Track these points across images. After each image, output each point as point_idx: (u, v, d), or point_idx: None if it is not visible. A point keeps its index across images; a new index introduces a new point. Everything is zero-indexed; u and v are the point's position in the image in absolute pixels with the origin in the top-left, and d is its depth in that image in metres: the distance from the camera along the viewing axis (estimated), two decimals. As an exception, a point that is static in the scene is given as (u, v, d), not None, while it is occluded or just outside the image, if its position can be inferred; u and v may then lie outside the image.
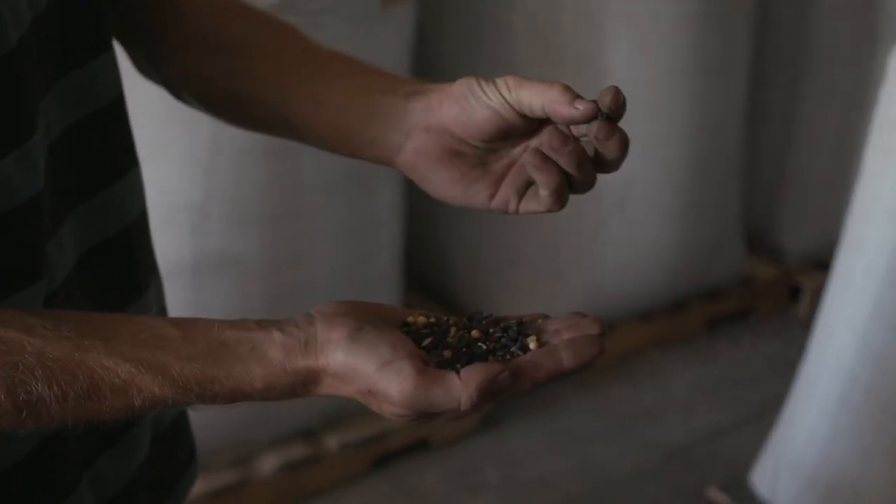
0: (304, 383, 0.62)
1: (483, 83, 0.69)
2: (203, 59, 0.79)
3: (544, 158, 0.67)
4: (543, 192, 0.68)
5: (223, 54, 0.79)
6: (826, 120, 2.57)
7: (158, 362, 0.60)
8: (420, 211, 2.28)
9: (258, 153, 1.77)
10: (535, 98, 0.67)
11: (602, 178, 2.55)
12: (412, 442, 2.14)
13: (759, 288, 2.61)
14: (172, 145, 1.71)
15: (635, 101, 2.29)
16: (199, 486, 1.90)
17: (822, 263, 2.66)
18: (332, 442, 2.05)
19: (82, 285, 0.72)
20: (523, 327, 0.66)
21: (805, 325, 2.56)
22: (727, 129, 2.39)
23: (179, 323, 0.62)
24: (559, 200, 0.68)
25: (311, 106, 0.75)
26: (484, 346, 0.65)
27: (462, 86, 0.70)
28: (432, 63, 2.25)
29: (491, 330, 0.66)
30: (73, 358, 0.58)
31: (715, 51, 2.26)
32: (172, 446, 0.83)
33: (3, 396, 0.57)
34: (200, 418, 1.91)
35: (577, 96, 0.67)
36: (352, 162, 2.16)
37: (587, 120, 0.67)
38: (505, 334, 0.65)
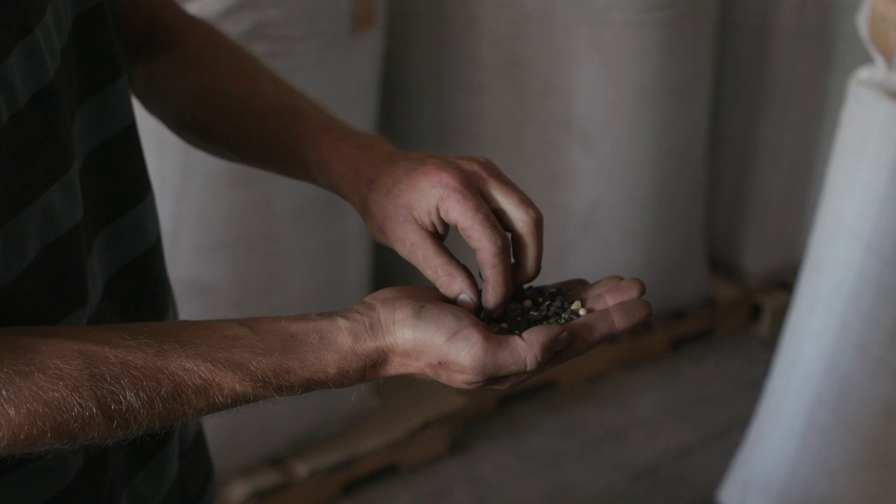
0: (374, 365, 0.64)
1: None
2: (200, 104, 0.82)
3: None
4: None
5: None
6: (782, 143, 2.62)
7: (235, 360, 0.61)
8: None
9: (227, 180, 1.76)
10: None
11: (567, 201, 2.58)
12: (381, 466, 2.13)
13: (722, 308, 2.64)
14: (142, 172, 1.70)
15: (600, 125, 2.33)
16: (169, 516, 1.88)
17: (781, 283, 2.71)
18: (301, 468, 2.04)
19: (111, 309, 0.72)
20: (567, 295, 0.70)
21: (766, 344, 2.61)
22: (690, 153, 2.43)
23: (246, 322, 0.64)
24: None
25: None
26: (537, 314, 0.68)
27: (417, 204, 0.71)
28: (399, 89, 2.26)
29: (539, 299, 0.69)
30: (154, 364, 0.60)
31: (678, 75, 2.29)
32: (196, 461, 0.84)
33: (94, 408, 0.58)
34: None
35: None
36: (320, 188, 2.15)
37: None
38: (553, 302, 0.69)
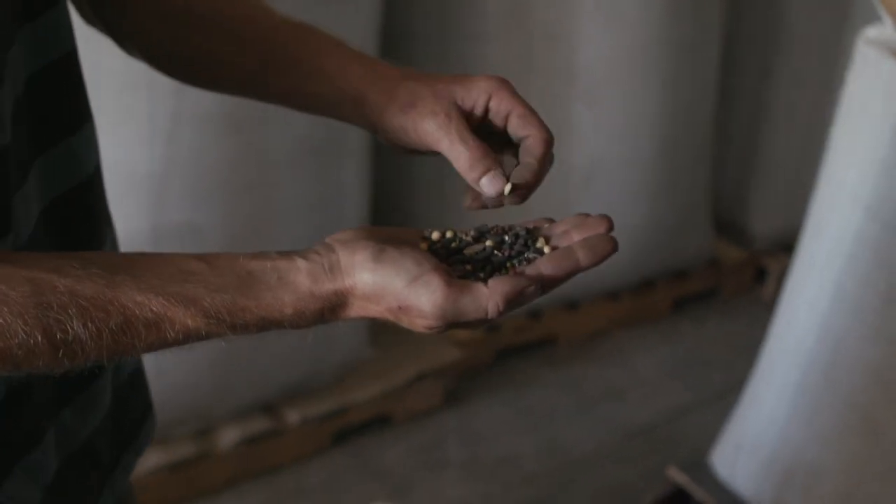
0: (333, 307, 0.63)
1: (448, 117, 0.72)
2: (158, 24, 0.79)
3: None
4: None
5: (178, 21, 0.79)
6: (796, 104, 2.57)
7: (189, 295, 0.60)
8: (386, 184, 2.27)
9: (220, 124, 1.75)
10: (452, 159, 0.71)
11: (569, 156, 2.55)
12: (375, 416, 2.13)
13: (726, 269, 2.62)
14: (133, 114, 1.69)
15: (605, 78, 2.29)
16: (159, 458, 1.89)
17: (788, 246, 2.66)
18: (293, 416, 2.04)
19: (46, 239, 0.71)
20: (532, 232, 0.69)
21: (770, 307, 2.57)
22: (697, 110, 2.39)
23: (204, 257, 0.63)
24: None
25: (298, 77, 0.77)
26: (501, 255, 0.67)
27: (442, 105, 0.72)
28: (401, 39, 2.23)
29: (506, 238, 0.68)
30: (104, 295, 0.59)
31: (686, 29, 2.24)
32: (131, 398, 0.83)
33: (40, 337, 0.58)
34: (160, 388, 1.90)
35: (485, 171, 0.70)
36: (316, 136, 2.12)
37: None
38: (517, 241, 0.68)
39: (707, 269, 2.58)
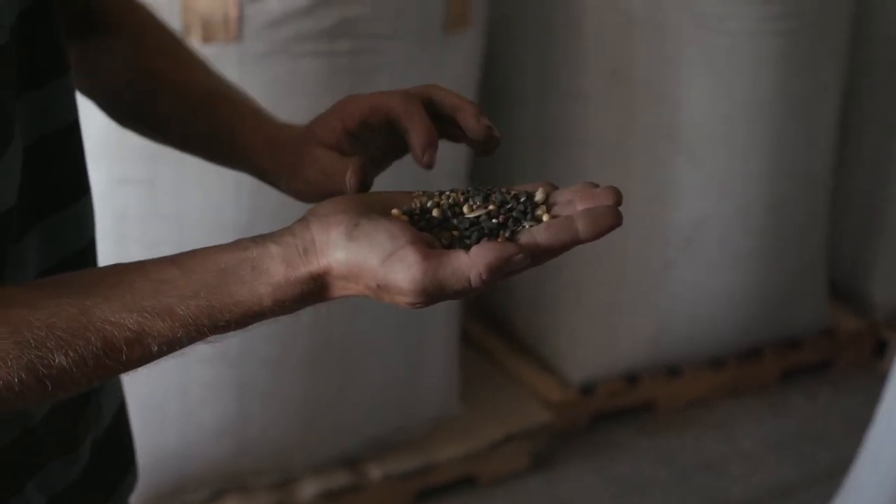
0: (313, 291, 0.62)
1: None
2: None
3: None
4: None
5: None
6: (923, 164, 2.43)
7: (163, 307, 0.60)
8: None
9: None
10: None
11: (671, 216, 2.45)
12: (459, 477, 2.09)
13: (842, 339, 2.47)
14: (219, 164, 1.71)
15: (710, 138, 2.21)
16: (236, 508, 1.88)
17: (912, 318, 2.52)
18: (375, 471, 2.01)
19: None
20: (532, 198, 0.64)
21: (890, 383, 2.42)
22: (811, 170, 2.28)
23: (176, 260, 0.62)
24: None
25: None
26: (494, 221, 0.63)
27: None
28: (502, 93, 2.21)
29: (506, 199, 0.64)
30: (80, 323, 0.59)
31: (801, 85, 2.15)
32: (111, 449, 0.83)
33: (24, 375, 0.58)
34: (241, 437, 1.89)
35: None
36: (405, 184, 2.12)
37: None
38: (515, 206, 0.64)
39: (821, 338, 2.45)
